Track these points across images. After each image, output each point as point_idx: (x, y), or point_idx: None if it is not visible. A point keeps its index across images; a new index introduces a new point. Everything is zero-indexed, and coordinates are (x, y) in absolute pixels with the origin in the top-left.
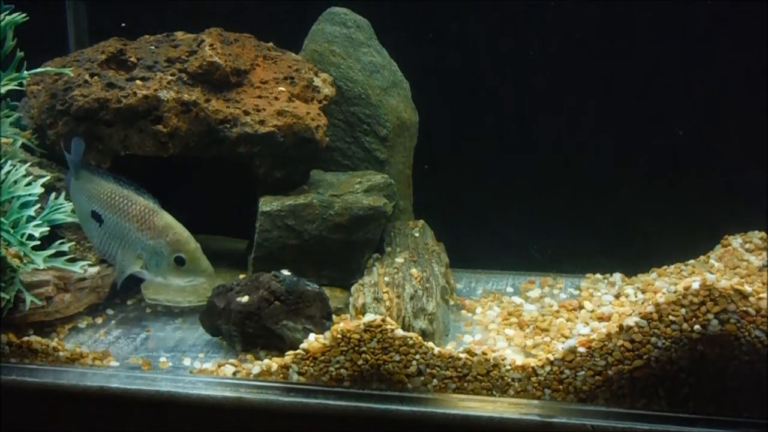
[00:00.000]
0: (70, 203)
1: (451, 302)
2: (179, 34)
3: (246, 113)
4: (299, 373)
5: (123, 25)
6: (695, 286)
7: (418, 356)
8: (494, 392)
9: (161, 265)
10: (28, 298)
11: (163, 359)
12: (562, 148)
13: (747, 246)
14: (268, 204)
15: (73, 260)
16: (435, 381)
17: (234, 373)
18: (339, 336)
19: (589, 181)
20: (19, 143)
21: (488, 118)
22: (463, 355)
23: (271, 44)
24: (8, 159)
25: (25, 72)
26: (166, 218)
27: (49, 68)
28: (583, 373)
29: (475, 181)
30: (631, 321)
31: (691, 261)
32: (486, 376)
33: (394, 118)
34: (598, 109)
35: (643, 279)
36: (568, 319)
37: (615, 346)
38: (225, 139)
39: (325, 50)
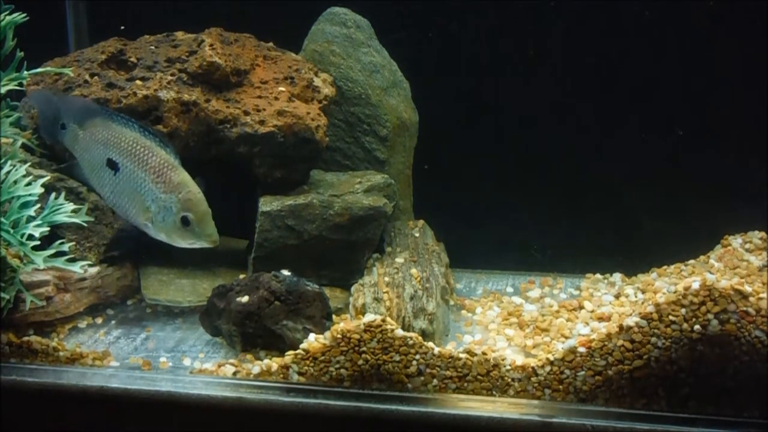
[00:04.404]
0: (70, 204)
1: (451, 302)
2: (179, 34)
3: (246, 113)
4: (299, 373)
5: (122, 27)
6: (695, 286)
7: (418, 356)
8: (494, 392)
9: (167, 221)
10: (28, 298)
11: (163, 359)
12: (562, 147)
13: (747, 246)
14: (268, 204)
15: (73, 260)
16: (435, 381)
17: (234, 373)
18: (339, 336)
19: (589, 181)
20: (19, 143)
21: (488, 118)
22: (463, 355)
23: (271, 44)
24: (8, 159)
25: (25, 72)
26: (183, 176)
27: (49, 68)
28: (583, 373)
29: (475, 181)
30: (631, 321)
31: (691, 261)
32: (486, 376)
33: (394, 118)
34: (598, 108)
35: (643, 279)
36: (568, 319)
37: (615, 346)
38: (225, 139)
39: (325, 50)
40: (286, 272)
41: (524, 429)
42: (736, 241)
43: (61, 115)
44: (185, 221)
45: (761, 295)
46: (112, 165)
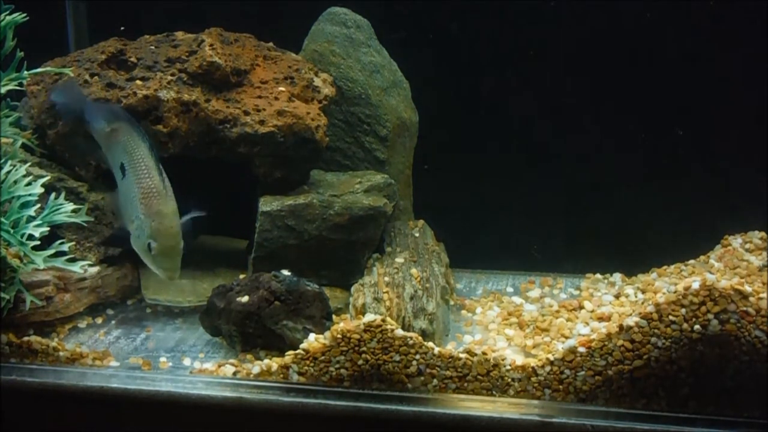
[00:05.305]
0: (70, 204)
1: (451, 302)
2: (179, 34)
3: (246, 113)
4: (299, 373)
5: (122, 28)
6: (695, 286)
7: (418, 356)
8: (494, 392)
9: (140, 239)
10: (28, 298)
11: (163, 359)
12: (562, 148)
13: (747, 246)
14: (268, 204)
15: (73, 260)
16: (435, 381)
17: (234, 373)
18: (339, 336)
19: (589, 181)
20: (19, 143)
21: (488, 118)
22: (463, 355)
23: (271, 44)
24: (8, 159)
25: (25, 72)
26: (166, 206)
27: (49, 68)
28: (583, 373)
29: (475, 181)
30: (631, 321)
31: (691, 261)
32: (486, 376)
33: (394, 118)
34: (598, 108)
35: (643, 279)
36: (568, 319)
37: (615, 346)
38: (225, 139)
39: (325, 50)
40: (286, 272)
41: (524, 429)
42: (736, 241)
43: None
44: (150, 248)
45: (761, 295)
46: (122, 170)
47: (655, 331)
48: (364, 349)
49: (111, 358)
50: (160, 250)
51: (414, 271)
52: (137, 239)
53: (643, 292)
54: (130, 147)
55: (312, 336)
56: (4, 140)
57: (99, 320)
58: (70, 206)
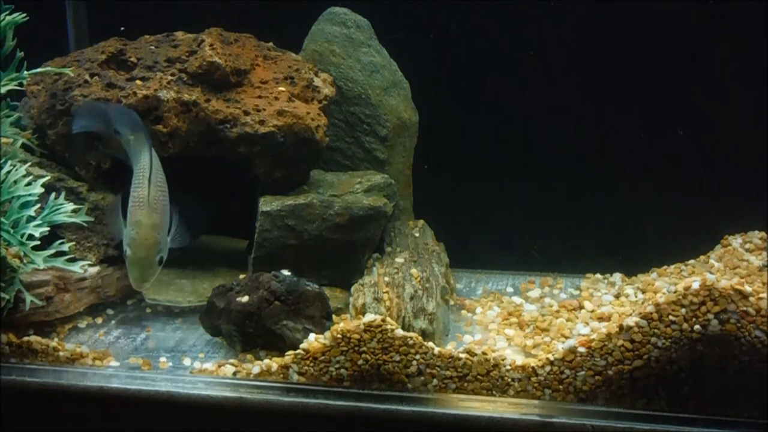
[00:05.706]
0: (70, 204)
1: (451, 302)
2: (179, 34)
3: (246, 113)
4: (299, 373)
5: (122, 28)
6: (695, 286)
7: (418, 356)
8: (494, 392)
9: (122, 244)
10: (28, 298)
11: (163, 359)
12: (562, 148)
13: (747, 246)
14: (268, 204)
15: (73, 260)
16: (435, 381)
17: (234, 373)
18: (339, 336)
19: (589, 181)
20: (19, 143)
21: (488, 118)
22: (463, 355)
23: (271, 44)
24: (8, 159)
25: (25, 72)
26: (145, 218)
27: (49, 68)
28: (583, 373)
29: (475, 181)
30: (631, 321)
31: (691, 261)
32: (486, 376)
33: (394, 118)
34: (598, 109)
35: (643, 279)
36: (568, 319)
37: (615, 346)
38: (225, 139)
39: (325, 50)
40: (286, 272)
41: (524, 429)
42: (736, 241)
43: (112, 123)
44: (125, 254)
45: (761, 295)
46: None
47: (655, 331)
48: (364, 349)
49: (111, 358)
50: (131, 258)
51: (414, 271)
52: (123, 244)
53: (643, 292)
54: (137, 156)
55: (312, 336)
56: (4, 140)
57: (99, 320)
58: (70, 206)
